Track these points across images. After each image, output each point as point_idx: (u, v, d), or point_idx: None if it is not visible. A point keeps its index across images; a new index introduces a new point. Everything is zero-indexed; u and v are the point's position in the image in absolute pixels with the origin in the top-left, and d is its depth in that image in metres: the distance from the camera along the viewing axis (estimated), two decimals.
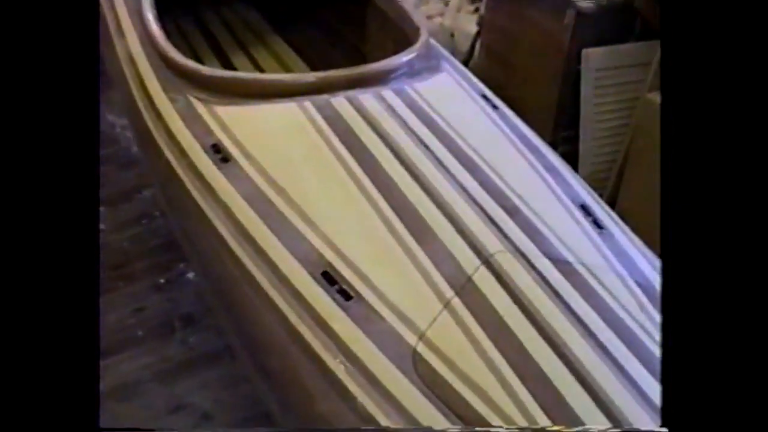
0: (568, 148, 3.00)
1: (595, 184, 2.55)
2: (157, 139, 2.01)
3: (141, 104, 2.14)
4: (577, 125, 3.04)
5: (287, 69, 3.19)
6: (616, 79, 3.01)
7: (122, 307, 2.70)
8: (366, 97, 1.97)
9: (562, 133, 3.07)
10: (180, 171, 1.91)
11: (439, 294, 1.52)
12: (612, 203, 2.76)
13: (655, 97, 2.73)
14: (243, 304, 1.69)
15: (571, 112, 3.03)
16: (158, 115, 2.04)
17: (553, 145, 2.30)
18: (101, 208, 2.96)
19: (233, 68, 3.17)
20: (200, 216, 1.81)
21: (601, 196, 2.02)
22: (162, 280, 2.84)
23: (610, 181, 3.02)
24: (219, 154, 1.88)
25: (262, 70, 3.18)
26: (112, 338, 2.59)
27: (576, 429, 1.17)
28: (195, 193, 1.85)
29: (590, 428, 1.16)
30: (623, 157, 2.95)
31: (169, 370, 2.50)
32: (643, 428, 1.16)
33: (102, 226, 2.93)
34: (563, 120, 3.07)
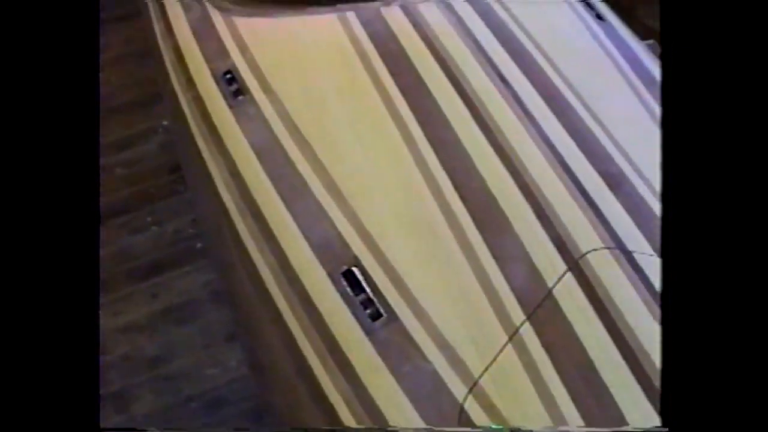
0: None
1: None
2: (165, 57, 1.63)
3: (152, 11, 1.75)
4: None
5: None
6: None
7: (181, 215, 2.46)
8: (428, 6, 1.49)
9: None
10: (184, 105, 1.54)
11: (504, 318, 1.12)
12: None
13: None
14: (242, 299, 1.35)
15: None
16: (168, 28, 1.65)
17: None
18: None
19: None
20: (201, 168, 1.46)
21: None
22: None
23: None
24: (232, 84, 1.50)
25: None
26: (168, 250, 2.40)
27: (575, 429, 1.07)
28: (198, 138, 1.49)
29: (590, 429, 1.08)
30: None
31: None
32: (643, 428, 1.09)
33: (164, 122, 2.65)
34: None
